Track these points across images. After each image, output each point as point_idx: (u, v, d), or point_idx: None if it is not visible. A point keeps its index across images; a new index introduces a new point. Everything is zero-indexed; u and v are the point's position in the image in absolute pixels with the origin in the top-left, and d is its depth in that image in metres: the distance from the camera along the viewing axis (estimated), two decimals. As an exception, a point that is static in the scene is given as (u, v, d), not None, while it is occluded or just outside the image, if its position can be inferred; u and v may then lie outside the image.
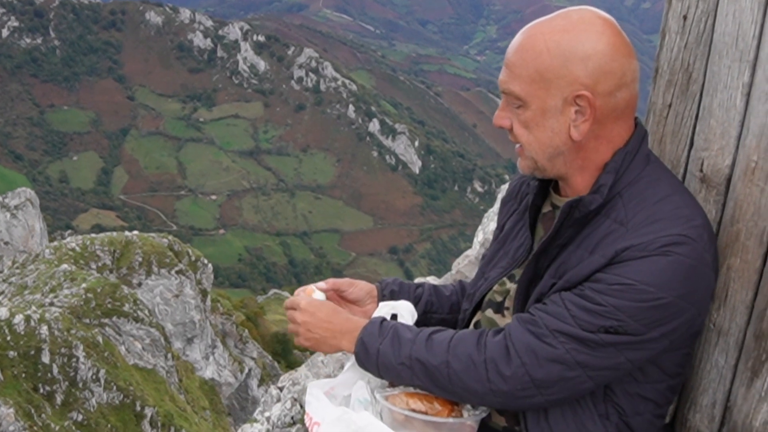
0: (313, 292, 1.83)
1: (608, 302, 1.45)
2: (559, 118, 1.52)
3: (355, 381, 1.66)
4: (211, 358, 33.76)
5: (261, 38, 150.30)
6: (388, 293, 1.93)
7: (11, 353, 18.97)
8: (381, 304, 1.80)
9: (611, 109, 1.52)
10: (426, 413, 1.56)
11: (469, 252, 4.51)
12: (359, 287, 1.92)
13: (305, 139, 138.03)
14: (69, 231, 79.44)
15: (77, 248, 29.06)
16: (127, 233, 32.41)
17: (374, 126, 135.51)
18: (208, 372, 32.13)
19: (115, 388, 21.37)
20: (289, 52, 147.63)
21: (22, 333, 19.62)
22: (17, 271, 28.57)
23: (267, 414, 4.92)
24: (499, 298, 1.76)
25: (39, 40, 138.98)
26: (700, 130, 1.73)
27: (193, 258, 33.39)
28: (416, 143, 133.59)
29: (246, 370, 34.65)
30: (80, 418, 19.76)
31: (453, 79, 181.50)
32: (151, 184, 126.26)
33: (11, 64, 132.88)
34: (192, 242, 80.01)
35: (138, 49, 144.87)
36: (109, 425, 20.48)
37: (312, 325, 1.72)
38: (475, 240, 4.57)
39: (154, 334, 26.11)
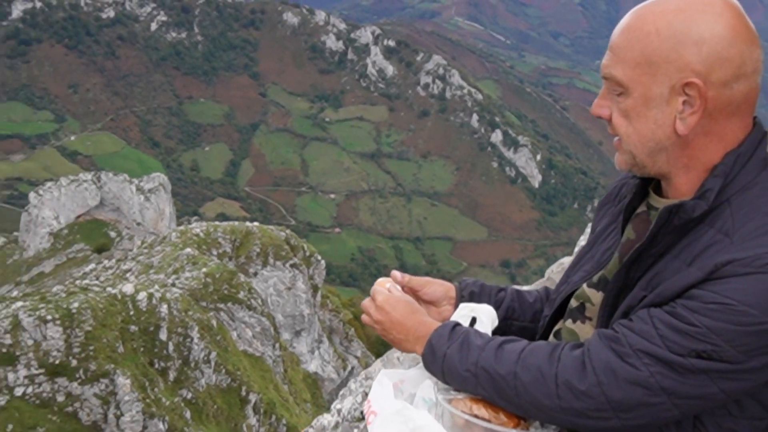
0: (388, 284, 1.74)
1: (702, 323, 1.28)
2: (664, 109, 1.37)
3: (424, 380, 1.59)
4: (316, 353, 34.46)
5: (391, 43, 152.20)
6: (467, 295, 1.81)
7: (132, 327, 20.09)
8: (461, 305, 1.70)
9: (725, 103, 1.35)
10: (489, 421, 1.45)
11: (564, 259, 4.28)
12: (436, 287, 1.81)
13: (426, 146, 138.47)
14: (195, 217, 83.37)
15: (201, 234, 30.43)
16: (248, 224, 33.63)
17: (497, 137, 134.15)
18: (313, 365, 32.81)
19: (224, 371, 22.20)
20: (418, 58, 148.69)
21: (144, 309, 20.73)
22: (145, 251, 30.25)
23: (338, 406, 4.91)
24: (577, 304, 1.63)
25: (183, 35, 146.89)
26: None
27: (307, 253, 34.22)
28: (538, 157, 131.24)
29: (349, 368, 35.11)
30: (189, 396, 20.65)
31: (581, 94, 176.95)
32: (274, 178, 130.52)
33: (157, 56, 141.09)
34: (308, 238, 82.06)
35: (273, 48, 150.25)
36: (215, 406, 21.30)
37: (387, 325, 1.64)
38: (576, 248, 4.30)
39: (265, 323, 26.95)
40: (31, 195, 54.09)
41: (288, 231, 35.01)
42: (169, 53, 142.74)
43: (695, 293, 1.30)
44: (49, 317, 18.15)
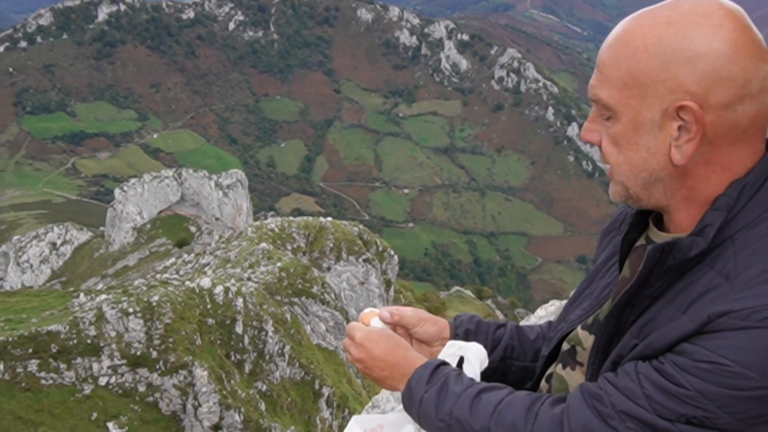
0: (373, 319, 1.59)
1: (692, 385, 1.10)
2: (657, 135, 1.19)
3: (405, 424, 1.46)
4: (389, 347, 34.61)
5: (465, 37, 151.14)
6: (462, 334, 1.64)
7: (210, 321, 20.61)
8: (449, 342, 1.54)
9: (728, 128, 1.16)
10: None
11: None
12: (429, 325, 1.62)
13: (500, 140, 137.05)
14: (272, 213, 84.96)
15: (276, 229, 30.97)
16: (321, 219, 34.03)
17: (573, 130, 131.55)
18: (386, 360, 32.93)
19: (297, 364, 22.54)
20: (492, 52, 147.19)
21: (221, 303, 21.25)
22: (222, 245, 31.00)
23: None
24: (568, 348, 1.47)
25: (260, 34, 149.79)
26: None
27: (380, 248, 34.37)
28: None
29: (422, 364, 35.16)
30: (264, 388, 21.06)
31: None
32: (348, 174, 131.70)
33: (234, 55, 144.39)
34: (381, 233, 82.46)
35: (347, 44, 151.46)
36: (289, 399, 21.64)
37: (368, 363, 1.49)
38: None
39: (338, 317, 27.22)
40: (116, 191, 56.23)
41: (361, 226, 35.22)
42: (246, 52, 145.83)
43: (686, 348, 1.13)
44: (131, 310, 18.79)
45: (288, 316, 23.15)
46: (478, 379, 1.45)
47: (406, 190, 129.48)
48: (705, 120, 1.14)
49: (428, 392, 1.37)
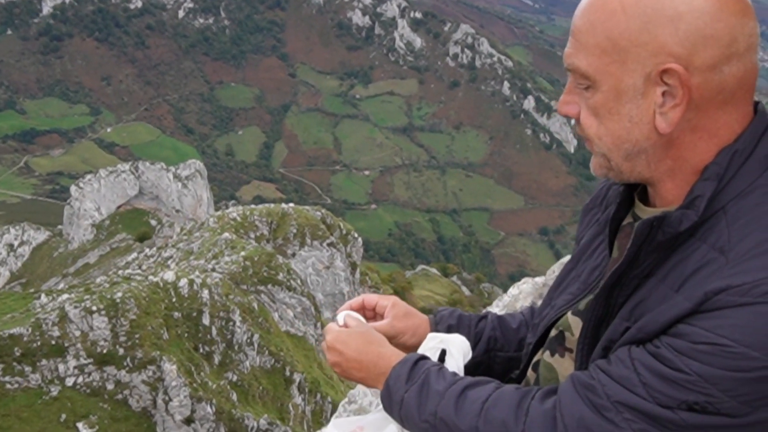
0: (338, 316, 1.53)
1: (693, 369, 1.03)
2: (640, 103, 1.11)
3: (387, 424, 1.40)
4: (358, 330, 34.76)
5: (418, 15, 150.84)
6: (444, 330, 1.56)
7: (176, 314, 20.46)
8: (429, 335, 1.47)
9: (715, 90, 1.08)
10: None
11: (565, 258, 3.83)
12: (407, 338, 1.54)
13: (458, 116, 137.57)
14: (233, 201, 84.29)
15: (238, 218, 30.76)
16: (283, 205, 33.88)
17: (529, 103, 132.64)
18: (355, 343, 33.10)
19: (267, 352, 22.52)
20: (446, 29, 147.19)
21: (186, 296, 21.09)
22: (184, 237, 30.70)
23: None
24: (556, 333, 1.40)
25: (211, 20, 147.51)
26: None
27: (344, 231, 34.38)
28: (572, 121, 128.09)
29: (391, 343, 35.39)
30: (235, 378, 21.02)
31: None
32: (308, 158, 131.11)
33: (186, 44, 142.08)
34: (344, 216, 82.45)
35: (300, 27, 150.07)
36: (260, 387, 21.64)
37: (344, 366, 1.42)
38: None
39: (306, 303, 27.22)
40: (72, 188, 55.20)
41: (324, 210, 35.17)
42: (197, 40, 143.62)
43: (683, 330, 1.06)
44: (94, 308, 18.56)
45: (255, 304, 23.09)
46: (461, 372, 1.39)
47: (366, 172, 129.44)
48: (691, 83, 1.07)
49: (408, 392, 1.29)
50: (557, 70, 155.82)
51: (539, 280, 3.83)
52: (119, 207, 55.02)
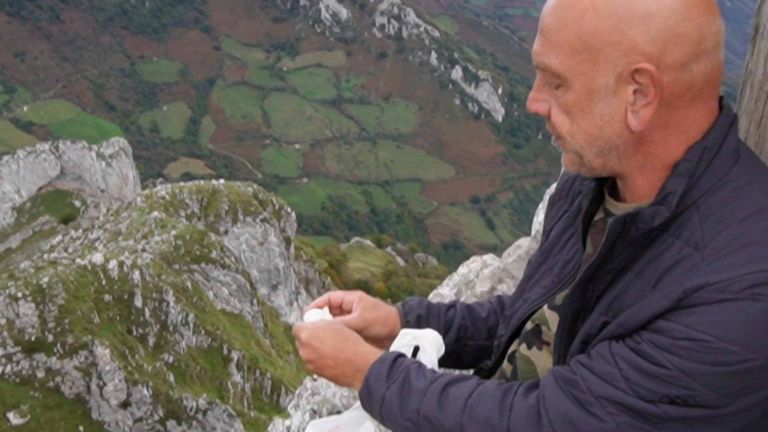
0: (307, 314, 1.51)
1: (674, 364, 1.06)
2: (612, 101, 1.12)
3: (364, 422, 1.40)
4: (294, 304, 34.65)
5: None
6: (414, 320, 1.57)
7: (106, 297, 19.93)
8: (402, 332, 1.46)
9: (685, 88, 1.10)
10: None
11: (521, 241, 3.70)
12: (378, 328, 1.53)
13: (387, 88, 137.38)
14: (160, 179, 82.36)
15: (167, 196, 30.05)
16: (213, 182, 33.28)
17: (457, 73, 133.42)
18: (292, 317, 33.02)
19: (203, 331, 22.22)
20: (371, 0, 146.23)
21: (116, 278, 20.54)
22: (111, 218, 29.84)
23: (287, 423, 4.72)
24: (532, 327, 1.41)
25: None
26: None
27: (277, 206, 34.07)
28: (500, 90, 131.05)
29: (328, 317, 35.45)
30: (171, 359, 20.68)
31: (538, 24, 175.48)
32: (237, 133, 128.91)
33: (103, 17, 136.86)
34: (276, 191, 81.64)
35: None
36: (198, 367, 21.37)
37: (318, 363, 1.41)
38: (534, 220, 3.70)
39: (240, 280, 26.92)
40: (-12, 170, 52.88)
41: (255, 186, 34.75)
42: (115, 13, 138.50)
43: (663, 326, 1.08)
44: (19, 294, 17.90)
45: (188, 284, 22.71)
46: (436, 367, 1.39)
47: (297, 146, 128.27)
48: (662, 82, 1.08)
49: (389, 390, 1.30)
50: (483, 39, 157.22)
51: (487, 258, 3.83)
52: (40, 189, 53.07)
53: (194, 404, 18.94)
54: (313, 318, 1.50)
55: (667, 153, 1.15)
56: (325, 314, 1.50)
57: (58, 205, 49.28)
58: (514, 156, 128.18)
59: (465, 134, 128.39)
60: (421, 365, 1.33)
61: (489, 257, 3.92)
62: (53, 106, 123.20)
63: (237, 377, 21.83)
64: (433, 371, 1.32)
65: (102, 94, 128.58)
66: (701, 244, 1.09)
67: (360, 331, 1.49)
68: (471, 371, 1.61)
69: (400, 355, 1.35)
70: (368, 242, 67.81)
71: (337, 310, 1.56)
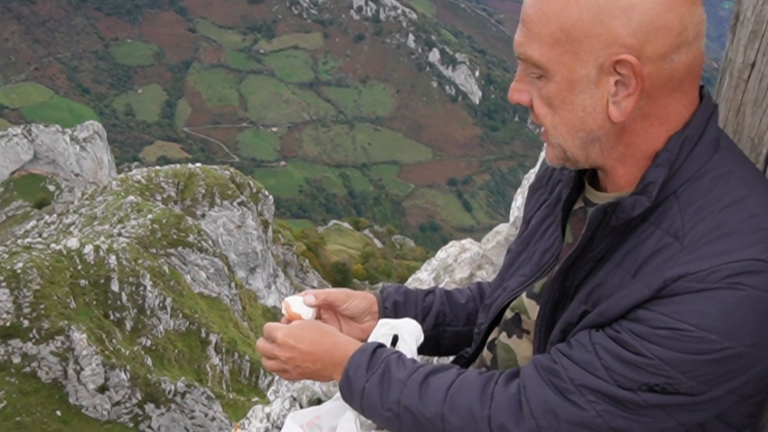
0: (293, 302, 1.50)
1: (653, 353, 1.07)
2: (593, 93, 1.12)
3: (344, 411, 1.39)
4: (273, 287, 34.68)
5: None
6: (391, 306, 1.57)
7: (82, 282, 19.82)
8: (380, 321, 1.46)
9: (666, 78, 1.10)
10: None
11: (500, 227, 3.63)
12: (357, 301, 1.54)
13: (364, 70, 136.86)
14: (136, 163, 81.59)
15: (143, 180, 29.85)
16: (190, 165, 33.09)
17: (434, 56, 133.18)
18: (270, 300, 33.07)
19: (181, 315, 22.21)
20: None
21: (92, 263, 20.44)
22: (86, 202, 29.59)
23: (267, 410, 4.77)
24: (512, 315, 1.41)
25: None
26: None
27: (254, 190, 33.97)
28: (477, 73, 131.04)
29: (307, 300, 35.54)
30: (149, 343, 20.67)
31: (515, 6, 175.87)
32: (213, 116, 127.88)
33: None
34: (254, 174, 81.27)
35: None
36: (176, 350, 21.37)
37: (298, 361, 1.39)
38: (513, 205, 3.69)
39: (218, 263, 26.90)
40: (-40, 155, 52.05)
41: (232, 169, 34.61)
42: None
43: (642, 315, 1.09)
44: (-7, 280, 17.77)
45: (166, 268, 22.65)
46: (415, 356, 1.39)
47: (274, 129, 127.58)
48: (643, 73, 1.08)
49: (369, 381, 1.29)
50: (461, 22, 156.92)
51: (465, 242, 3.88)
52: (13, 173, 52.36)
53: (173, 387, 18.97)
54: (299, 305, 1.48)
55: (648, 143, 1.15)
56: (303, 308, 1.48)
57: (31, 189, 48.73)
58: (491, 138, 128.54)
59: (442, 117, 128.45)
60: (401, 355, 1.32)
61: (467, 242, 3.95)
62: (25, 89, 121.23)
63: (215, 360, 21.89)
64: (413, 361, 1.32)
65: (75, 76, 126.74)
66: (681, 233, 1.09)
67: (341, 304, 1.51)
68: (450, 358, 1.61)
69: (380, 346, 1.34)
70: (346, 225, 67.87)
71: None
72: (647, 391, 1.09)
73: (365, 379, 1.29)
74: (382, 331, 1.42)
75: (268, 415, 4.66)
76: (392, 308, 1.56)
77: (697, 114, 1.15)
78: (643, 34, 1.07)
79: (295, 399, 4.57)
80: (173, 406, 18.80)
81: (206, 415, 19.21)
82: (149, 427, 18.57)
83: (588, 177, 1.30)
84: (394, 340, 1.41)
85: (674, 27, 1.08)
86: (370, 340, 1.39)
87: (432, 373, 1.27)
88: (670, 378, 1.07)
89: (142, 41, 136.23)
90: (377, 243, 64.21)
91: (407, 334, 1.41)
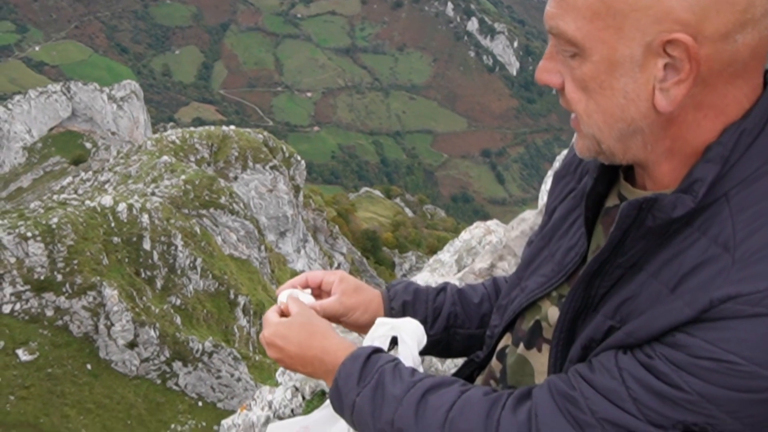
0: (281, 294, 1.35)
1: (692, 386, 0.89)
2: (637, 77, 0.92)
3: (336, 422, 1.26)
4: (302, 252, 34.87)
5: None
6: (399, 306, 1.39)
7: (115, 239, 20.08)
8: (378, 321, 1.29)
9: (727, 62, 0.90)
10: None
11: (526, 214, 3.35)
12: (358, 315, 1.37)
13: (402, 38, 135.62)
14: (171, 124, 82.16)
15: (177, 141, 30.03)
16: (224, 128, 33.18)
17: (473, 25, 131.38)
18: (299, 265, 33.27)
19: (210, 276, 22.44)
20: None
21: (125, 221, 20.67)
22: (122, 161, 29.89)
23: (269, 398, 4.68)
24: (530, 323, 1.22)
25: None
26: None
27: (287, 154, 34.01)
28: (515, 44, 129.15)
29: (336, 264, 35.69)
30: (178, 302, 20.93)
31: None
32: (249, 79, 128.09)
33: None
34: (287, 138, 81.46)
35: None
36: (204, 310, 21.64)
37: (287, 362, 1.26)
38: (542, 188, 3.32)
39: (249, 226, 27.07)
40: (0, 109, 52.85)
41: (266, 133, 34.62)
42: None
43: (682, 340, 0.90)
44: (29, 234, 18.04)
45: (197, 228, 22.85)
46: (417, 361, 1.24)
47: (309, 94, 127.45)
48: (700, 56, 0.89)
49: (361, 394, 1.13)
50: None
51: (491, 224, 3.75)
52: (51, 129, 53.09)
53: (200, 346, 19.23)
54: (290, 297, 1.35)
55: (700, 137, 0.96)
56: (303, 295, 1.34)
57: (69, 146, 49.39)
58: (527, 110, 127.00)
59: (479, 87, 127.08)
60: (398, 364, 1.16)
61: (493, 223, 3.82)
62: (65, 46, 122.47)
63: (243, 321, 22.11)
64: (412, 371, 1.15)
65: (114, 35, 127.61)
66: (731, 243, 0.91)
67: (338, 318, 1.36)
68: (460, 360, 1.47)
69: (375, 351, 1.18)
70: (377, 192, 67.82)
71: (316, 290, 1.40)
72: (682, 430, 0.92)
73: (356, 393, 1.14)
74: (380, 331, 1.27)
75: (270, 403, 4.64)
76: (400, 309, 1.40)
77: (759, 104, 0.96)
78: (702, 8, 0.88)
79: (297, 389, 4.48)
80: (200, 365, 19.08)
81: (232, 375, 19.47)
82: (176, 384, 18.89)
83: (624, 170, 1.10)
84: (393, 343, 1.26)
85: (739, 1, 0.88)
86: (366, 342, 1.25)
87: (431, 389, 1.11)
88: (711, 417, 0.90)
89: (181, 2, 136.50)
90: (408, 212, 64.11)
91: (408, 336, 1.26)
